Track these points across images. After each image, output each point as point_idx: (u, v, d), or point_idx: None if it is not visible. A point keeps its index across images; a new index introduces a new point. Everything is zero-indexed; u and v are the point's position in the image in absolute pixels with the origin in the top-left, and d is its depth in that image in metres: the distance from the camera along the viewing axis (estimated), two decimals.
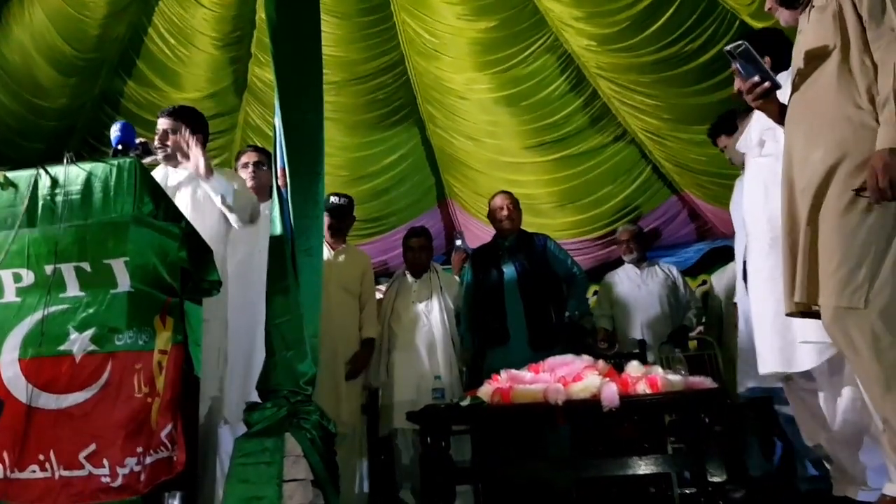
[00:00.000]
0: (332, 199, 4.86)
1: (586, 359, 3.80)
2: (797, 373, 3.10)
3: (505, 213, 5.03)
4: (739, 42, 2.72)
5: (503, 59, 6.94)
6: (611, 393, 3.41)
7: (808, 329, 2.83)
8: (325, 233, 4.68)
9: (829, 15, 2.59)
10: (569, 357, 3.86)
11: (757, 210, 3.31)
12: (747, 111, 3.77)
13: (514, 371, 3.76)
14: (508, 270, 4.92)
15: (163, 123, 3.77)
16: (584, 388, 3.48)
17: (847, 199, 2.45)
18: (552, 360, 3.81)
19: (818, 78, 2.61)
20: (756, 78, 2.73)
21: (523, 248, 4.99)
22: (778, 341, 3.10)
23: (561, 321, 4.80)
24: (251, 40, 7.12)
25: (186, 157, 3.73)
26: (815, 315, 2.60)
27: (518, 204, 5.12)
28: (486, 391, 3.64)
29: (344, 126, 7.58)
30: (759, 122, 3.29)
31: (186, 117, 3.80)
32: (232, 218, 3.61)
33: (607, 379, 3.53)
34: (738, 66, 2.76)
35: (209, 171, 3.56)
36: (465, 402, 3.62)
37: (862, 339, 2.39)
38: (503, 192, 5.21)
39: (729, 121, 4.38)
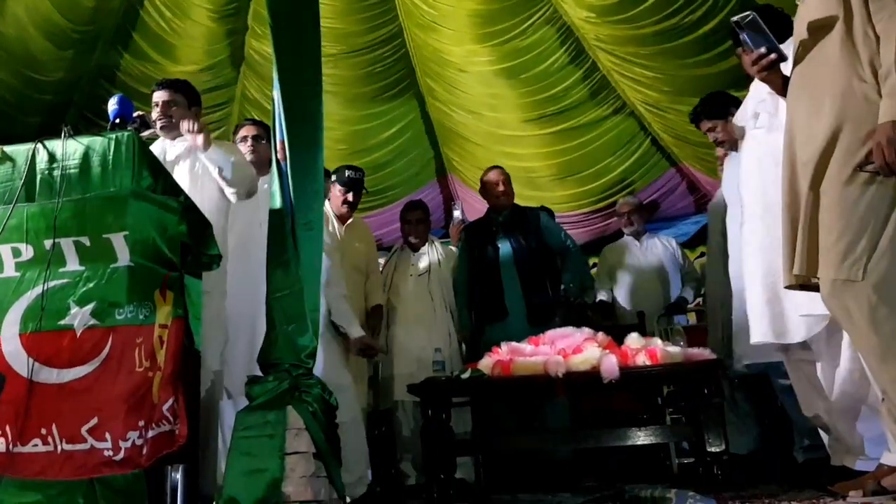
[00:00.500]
0: (348, 172, 4.74)
1: (586, 331, 3.82)
2: (795, 343, 3.11)
3: (501, 188, 5.02)
4: (747, 13, 2.70)
5: (502, 32, 6.90)
6: (610, 364, 3.43)
7: (800, 300, 2.84)
8: (342, 207, 4.70)
9: None
10: (569, 329, 3.87)
11: (752, 181, 3.31)
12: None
13: (514, 343, 3.78)
14: (504, 246, 4.92)
15: (161, 95, 3.77)
16: (584, 360, 3.51)
17: (848, 172, 2.45)
18: (552, 333, 3.84)
19: (821, 50, 2.59)
20: (763, 49, 2.71)
21: (518, 222, 4.98)
22: (768, 312, 3.10)
23: (558, 295, 4.80)
24: (248, 12, 7.06)
25: None
26: (814, 288, 2.61)
27: (510, 178, 5.10)
28: (486, 364, 3.66)
29: (343, 99, 7.55)
30: (754, 94, 3.29)
31: (183, 89, 3.83)
32: (229, 191, 3.61)
33: (607, 351, 3.55)
34: (745, 36, 2.74)
35: (207, 143, 3.55)
36: (465, 375, 3.64)
37: (859, 311, 2.40)
38: (496, 167, 5.19)
39: (712, 104, 4.39)
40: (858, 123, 2.45)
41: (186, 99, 3.79)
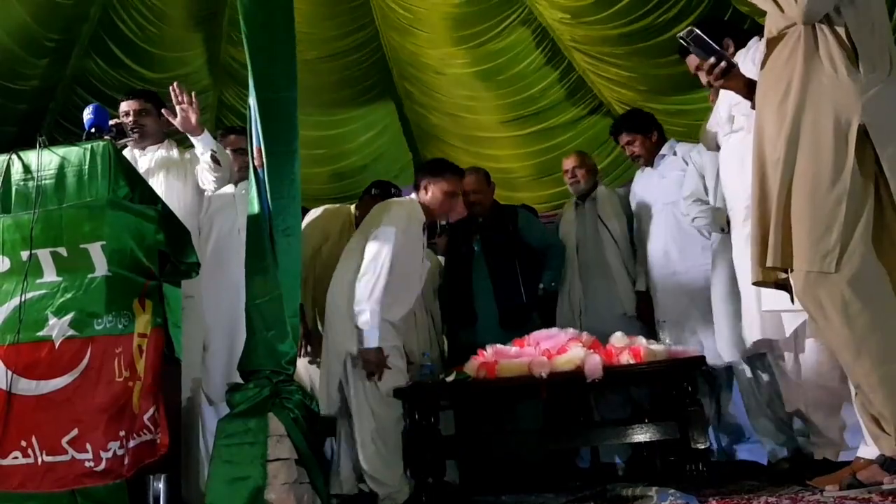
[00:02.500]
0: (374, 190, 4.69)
1: (571, 331, 3.82)
2: (777, 340, 3.16)
3: (471, 198, 4.80)
4: (689, 28, 2.83)
5: (478, 34, 6.90)
6: (594, 364, 3.44)
7: (772, 298, 2.88)
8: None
9: None
10: (554, 330, 3.88)
11: (735, 184, 3.36)
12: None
13: (499, 346, 3.77)
14: (478, 248, 4.80)
15: (132, 105, 3.83)
16: (568, 361, 3.52)
17: (819, 165, 2.48)
18: (537, 334, 3.84)
19: (783, 49, 2.63)
20: (712, 59, 2.79)
21: (494, 223, 4.85)
22: (760, 310, 3.15)
23: (533, 298, 4.65)
24: (224, 18, 7.04)
25: (157, 139, 3.79)
26: (783, 286, 2.64)
27: (488, 178, 5.06)
28: (471, 366, 3.66)
29: (319, 104, 7.53)
30: (726, 99, 3.36)
31: (153, 99, 3.88)
32: (213, 176, 3.61)
33: (591, 351, 3.56)
34: (693, 51, 2.88)
35: (199, 126, 3.60)
36: (450, 378, 3.64)
37: (832, 306, 2.43)
38: (471, 170, 5.13)
39: (633, 119, 4.66)
40: (820, 104, 2.49)
41: (156, 108, 3.83)
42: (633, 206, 4.66)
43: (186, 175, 3.77)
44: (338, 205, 4.85)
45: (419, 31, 7.12)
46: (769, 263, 2.57)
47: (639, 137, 4.51)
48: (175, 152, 3.85)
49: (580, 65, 6.79)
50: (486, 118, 7.45)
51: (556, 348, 3.65)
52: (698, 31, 2.80)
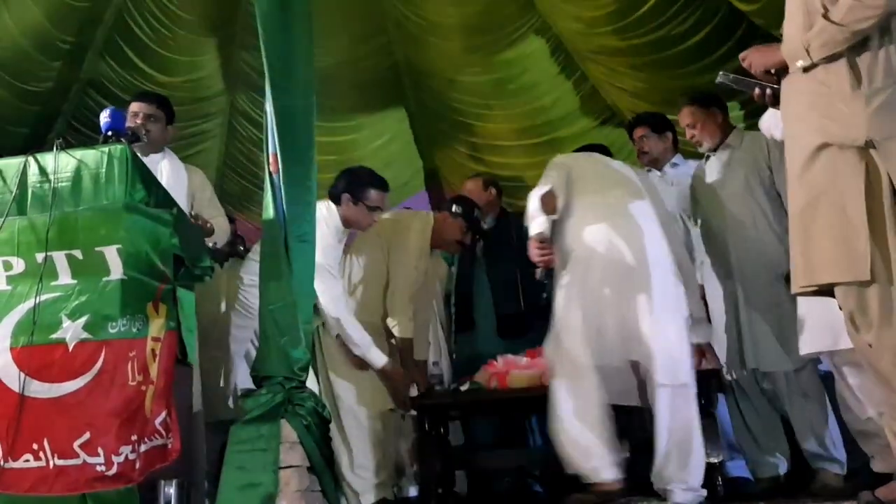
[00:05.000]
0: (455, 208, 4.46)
1: None
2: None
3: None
4: (720, 76, 2.91)
5: (491, 43, 6.90)
6: None
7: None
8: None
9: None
10: None
11: None
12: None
13: (510, 356, 3.74)
14: (481, 255, 4.83)
15: (142, 107, 3.86)
16: None
17: (837, 174, 2.45)
18: None
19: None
20: (756, 91, 2.82)
21: (499, 231, 4.88)
22: (820, 321, 3.11)
23: (533, 307, 4.58)
24: (239, 23, 7.05)
25: (157, 148, 3.87)
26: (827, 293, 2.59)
27: (488, 184, 5.04)
28: (483, 376, 3.63)
29: (330, 110, 7.53)
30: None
31: (164, 105, 3.90)
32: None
33: None
34: (739, 88, 2.94)
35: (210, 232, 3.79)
36: (464, 387, 3.61)
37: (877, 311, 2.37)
38: (473, 177, 5.11)
39: (658, 116, 4.69)
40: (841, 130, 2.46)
41: (165, 115, 3.86)
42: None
43: (182, 185, 3.81)
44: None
45: (432, 39, 7.12)
46: (803, 283, 2.53)
47: (652, 135, 4.49)
48: (175, 162, 3.87)
49: (594, 75, 6.78)
50: (498, 126, 7.44)
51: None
52: (728, 74, 2.89)
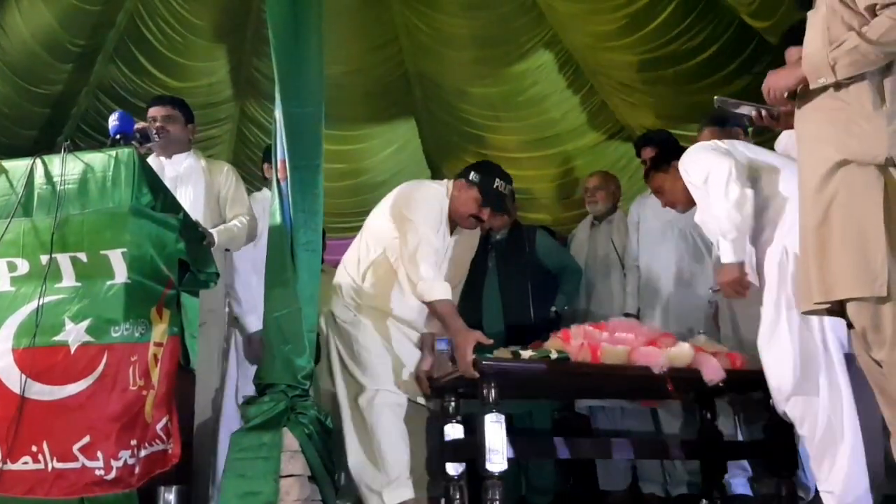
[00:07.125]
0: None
1: (636, 324, 3.42)
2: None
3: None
4: (717, 101, 2.94)
5: (501, 54, 6.92)
6: (713, 365, 3.06)
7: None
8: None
9: (819, 16, 2.58)
10: (632, 322, 3.58)
11: None
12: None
13: (587, 327, 3.26)
14: (493, 266, 4.79)
15: (159, 111, 3.84)
16: (680, 356, 3.07)
17: (851, 191, 2.43)
18: (613, 322, 3.35)
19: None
20: (753, 113, 2.88)
21: (511, 242, 4.84)
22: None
23: (543, 318, 4.58)
24: (250, 30, 7.07)
25: (183, 147, 3.80)
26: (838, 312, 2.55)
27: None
28: (556, 345, 3.12)
29: (340, 118, 7.54)
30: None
31: (180, 106, 3.88)
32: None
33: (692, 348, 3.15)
34: (739, 111, 2.97)
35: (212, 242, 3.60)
36: (553, 355, 3.04)
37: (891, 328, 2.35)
38: None
39: (671, 143, 4.45)
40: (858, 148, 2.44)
41: (183, 116, 3.85)
42: (638, 226, 4.61)
43: (211, 185, 3.78)
44: None
45: (443, 50, 7.14)
46: (816, 299, 2.51)
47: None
48: (202, 162, 3.86)
49: (603, 89, 6.79)
50: (507, 138, 7.46)
51: (648, 341, 3.14)
52: (724, 100, 2.94)
